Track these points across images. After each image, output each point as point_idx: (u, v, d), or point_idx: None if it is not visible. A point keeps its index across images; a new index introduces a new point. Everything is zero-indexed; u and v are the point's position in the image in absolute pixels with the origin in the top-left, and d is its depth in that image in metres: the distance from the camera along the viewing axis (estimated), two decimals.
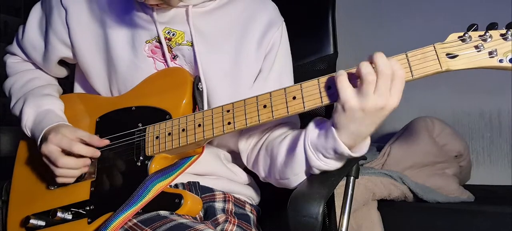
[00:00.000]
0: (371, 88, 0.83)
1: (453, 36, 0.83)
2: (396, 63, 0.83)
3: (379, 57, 0.83)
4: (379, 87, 0.83)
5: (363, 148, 0.93)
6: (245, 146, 1.17)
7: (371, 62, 0.84)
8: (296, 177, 1.02)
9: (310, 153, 0.96)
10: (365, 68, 0.83)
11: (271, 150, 1.09)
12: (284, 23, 1.19)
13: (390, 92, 0.83)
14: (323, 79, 0.90)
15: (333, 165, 0.97)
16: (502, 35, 0.80)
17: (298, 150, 0.99)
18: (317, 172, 1.00)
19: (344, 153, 0.91)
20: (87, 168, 1.07)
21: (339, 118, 0.88)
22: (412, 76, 0.83)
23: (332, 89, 0.88)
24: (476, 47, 0.81)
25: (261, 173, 1.14)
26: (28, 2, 2.99)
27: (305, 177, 1.03)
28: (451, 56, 0.81)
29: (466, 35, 0.82)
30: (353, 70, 0.87)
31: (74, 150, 1.03)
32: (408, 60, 0.83)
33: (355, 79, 0.87)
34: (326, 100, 0.89)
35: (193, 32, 1.07)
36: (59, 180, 1.06)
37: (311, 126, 0.98)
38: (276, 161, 1.06)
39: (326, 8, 1.40)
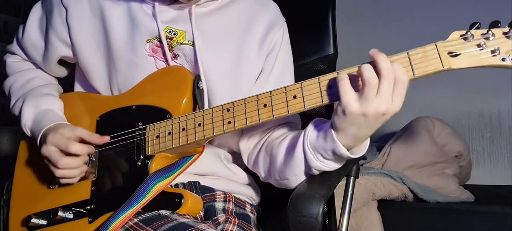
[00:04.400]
0: (373, 92, 0.81)
1: (455, 35, 0.82)
2: (399, 67, 0.81)
3: (382, 61, 0.81)
4: (381, 91, 0.81)
5: (362, 149, 0.93)
6: (246, 146, 1.17)
7: (373, 64, 0.83)
8: (296, 177, 1.03)
9: (309, 154, 0.96)
10: (367, 71, 0.82)
11: (271, 150, 1.09)
12: (285, 23, 1.19)
13: (392, 97, 0.82)
14: (324, 78, 0.89)
15: (332, 165, 0.97)
16: (504, 33, 0.79)
17: (297, 151, 0.99)
18: (316, 172, 1.00)
19: (343, 154, 0.91)
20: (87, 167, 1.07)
21: (339, 121, 0.88)
22: (414, 75, 0.82)
23: (333, 89, 0.88)
24: (479, 45, 0.80)
25: (261, 173, 1.14)
26: (28, 2, 2.98)
27: (304, 178, 1.03)
28: (453, 54, 0.80)
29: (468, 33, 0.80)
30: (354, 71, 0.86)
31: (70, 150, 1.02)
32: (409, 58, 0.82)
33: (356, 81, 0.85)
34: (326, 100, 0.89)
35: (195, 31, 1.07)
36: (62, 181, 1.05)
37: (311, 127, 0.99)
38: (276, 161, 1.06)
39: (326, 8, 1.40)
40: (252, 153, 1.17)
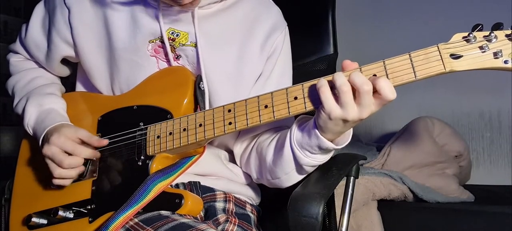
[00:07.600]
0: (348, 98, 0.82)
1: (457, 37, 0.82)
2: (356, 76, 0.81)
3: (338, 77, 0.83)
4: (360, 100, 0.82)
5: (346, 139, 0.94)
6: (239, 150, 1.19)
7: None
8: (287, 175, 1.04)
9: (297, 152, 0.98)
10: (339, 79, 0.82)
11: (260, 151, 1.11)
12: (287, 27, 1.19)
13: (357, 105, 0.83)
14: (326, 78, 0.89)
15: (321, 158, 0.99)
16: (507, 35, 0.78)
17: (285, 150, 1.00)
18: (308, 169, 1.02)
19: (328, 147, 0.93)
20: (83, 167, 1.07)
21: (324, 124, 0.88)
22: (415, 77, 0.81)
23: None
24: (481, 48, 0.79)
25: (253, 175, 1.16)
26: (28, 2, 2.99)
27: (297, 176, 1.04)
28: (455, 57, 0.80)
29: (471, 35, 0.80)
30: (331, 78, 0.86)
31: (77, 154, 1.04)
32: (411, 60, 0.82)
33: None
34: None
35: (198, 33, 1.07)
36: (58, 182, 1.06)
37: (295, 126, 1.00)
38: (265, 162, 1.08)
39: (326, 8, 1.40)
40: (244, 155, 1.18)
